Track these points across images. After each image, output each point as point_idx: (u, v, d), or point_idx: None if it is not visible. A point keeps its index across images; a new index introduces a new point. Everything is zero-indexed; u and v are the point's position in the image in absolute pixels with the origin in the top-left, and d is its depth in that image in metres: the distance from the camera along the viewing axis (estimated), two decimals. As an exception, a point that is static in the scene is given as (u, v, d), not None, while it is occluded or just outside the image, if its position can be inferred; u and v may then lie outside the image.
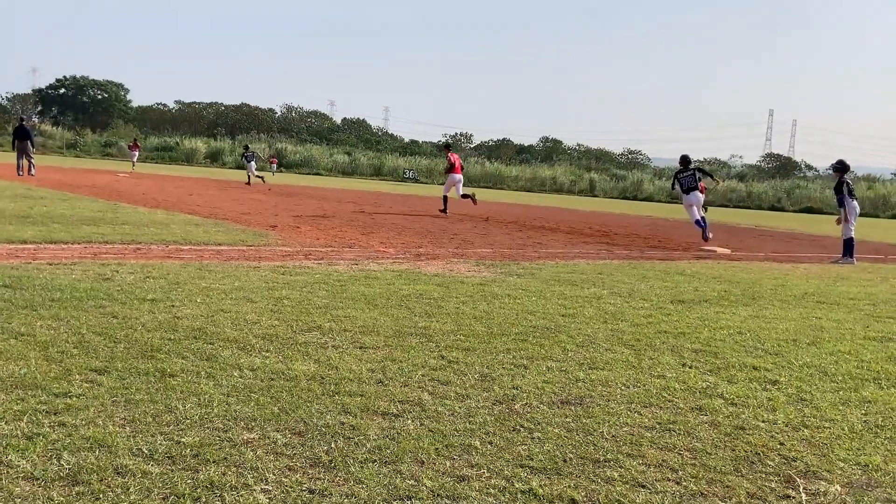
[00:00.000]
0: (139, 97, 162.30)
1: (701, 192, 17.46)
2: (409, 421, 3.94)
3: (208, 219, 14.48)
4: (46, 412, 3.61)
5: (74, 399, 3.82)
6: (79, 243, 9.53)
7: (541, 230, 18.92)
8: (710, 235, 17.24)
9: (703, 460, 3.68)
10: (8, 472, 2.99)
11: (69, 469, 3.05)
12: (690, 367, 5.44)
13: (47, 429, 3.42)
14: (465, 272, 9.66)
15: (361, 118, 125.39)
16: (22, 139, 26.97)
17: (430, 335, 5.89)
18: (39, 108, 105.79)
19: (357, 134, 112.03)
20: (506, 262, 11.03)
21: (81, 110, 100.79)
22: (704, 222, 17.15)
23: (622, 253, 14.08)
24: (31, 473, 2.99)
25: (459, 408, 4.22)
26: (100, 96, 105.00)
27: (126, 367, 4.40)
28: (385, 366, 4.94)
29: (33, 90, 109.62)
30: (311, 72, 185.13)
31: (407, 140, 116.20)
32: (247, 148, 38.57)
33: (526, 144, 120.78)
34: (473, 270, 9.88)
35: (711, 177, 18.14)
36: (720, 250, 16.00)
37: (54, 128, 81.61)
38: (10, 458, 3.09)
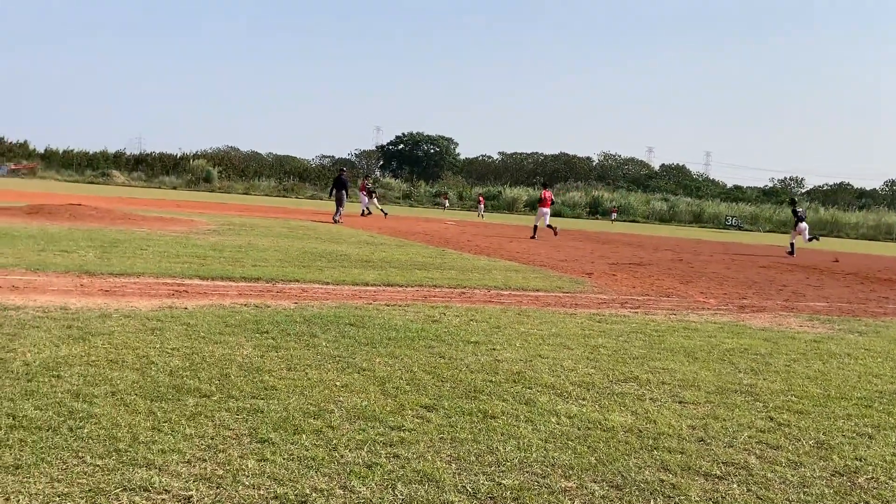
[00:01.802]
0: (466, 149, 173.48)
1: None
2: (735, 485, 3.70)
3: (527, 265, 14.96)
4: (383, 443, 3.93)
5: (407, 433, 4.11)
6: (412, 286, 10.33)
7: (888, 283, 16.98)
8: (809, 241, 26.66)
9: None
10: (350, 496, 3.28)
11: (402, 499, 3.28)
12: None
13: (384, 459, 3.71)
14: (796, 327, 8.94)
15: (681, 164, 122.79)
16: (339, 189, 28.65)
17: (756, 394, 5.52)
18: (381, 163, 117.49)
19: (676, 180, 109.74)
20: (845, 318, 10.03)
21: (416, 163, 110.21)
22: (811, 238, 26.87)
23: None
24: (370, 500, 3.26)
25: (792, 476, 3.87)
26: (432, 150, 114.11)
27: (452, 406, 4.65)
28: (707, 423, 4.70)
29: (376, 147, 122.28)
30: (630, 119, 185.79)
31: (729, 185, 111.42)
32: (369, 188, 39.43)
33: (868, 188, 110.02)
34: (806, 325, 9.11)
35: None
36: None
37: (393, 180, 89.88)
38: (353, 483, 3.40)
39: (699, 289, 12.76)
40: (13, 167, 72.92)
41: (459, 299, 9.41)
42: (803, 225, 25.65)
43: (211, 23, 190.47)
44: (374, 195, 38.64)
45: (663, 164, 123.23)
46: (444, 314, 8.05)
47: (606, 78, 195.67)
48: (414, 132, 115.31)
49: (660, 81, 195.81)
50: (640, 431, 4.44)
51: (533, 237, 25.69)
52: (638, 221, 74.33)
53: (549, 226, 27.13)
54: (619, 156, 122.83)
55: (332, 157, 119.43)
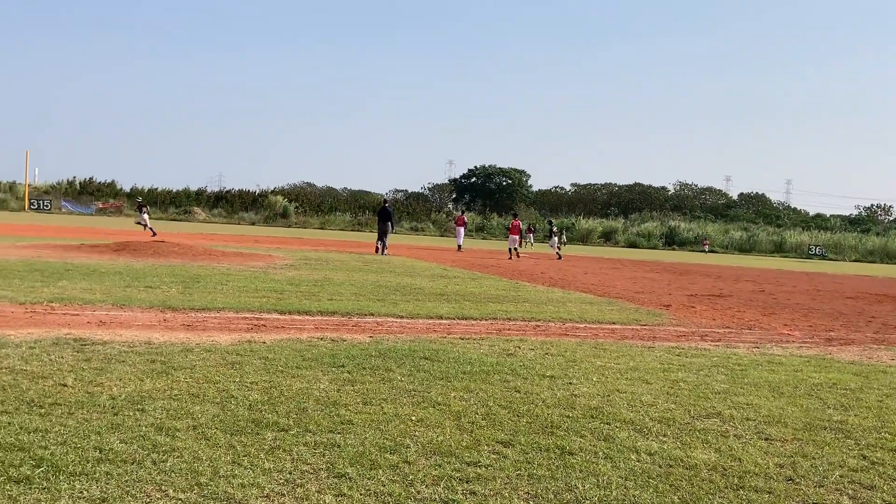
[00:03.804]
0: (539, 181, 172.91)
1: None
2: (827, 528, 3.53)
3: (602, 297, 14.76)
4: (460, 479, 3.89)
5: (483, 469, 4.06)
6: (486, 319, 10.30)
7: (984, 313, 16.14)
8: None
9: None
10: (427, 532, 3.25)
11: (479, 537, 3.22)
12: None
13: (460, 496, 3.67)
14: (888, 360, 8.56)
15: (760, 192, 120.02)
16: (384, 221, 28.00)
17: (847, 430, 5.28)
18: (454, 196, 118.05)
19: (755, 209, 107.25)
20: (939, 351, 9.55)
21: (489, 196, 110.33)
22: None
23: None
24: (447, 537, 3.21)
25: (888, 519, 3.68)
26: (504, 183, 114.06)
27: (528, 442, 4.58)
28: (795, 461, 4.52)
29: (449, 180, 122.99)
30: (706, 147, 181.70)
31: (812, 214, 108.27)
32: (140, 203, 38.68)
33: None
34: (898, 359, 8.71)
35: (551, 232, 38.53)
36: None
37: (467, 213, 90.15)
38: (429, 519, 3.37)
39: (783, 321, 12.37)
40: (101, 206, 75.99)
41: (534, 332, 9.33)
42: (554, 239, 37.79)
43: (284, 61, 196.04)
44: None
45: (742, 193, 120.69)
46: (519, 347, 7.98)
47: (681, 106, 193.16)
48: (486, 165, 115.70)
49: (737, 108, 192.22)
50: (725, 469, 4.29)
51: (510, 258, 30.97)
52: (716, 252, 72.75)
53: (514, 249, 32.68)
54: (696, 185, 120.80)
55: (406, 191, 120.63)
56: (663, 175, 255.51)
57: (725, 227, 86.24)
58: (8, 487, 3.39)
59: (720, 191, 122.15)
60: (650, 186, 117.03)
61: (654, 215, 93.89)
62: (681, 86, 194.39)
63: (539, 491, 3.79)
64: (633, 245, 76.57)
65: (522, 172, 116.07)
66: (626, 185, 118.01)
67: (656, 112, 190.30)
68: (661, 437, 4.87)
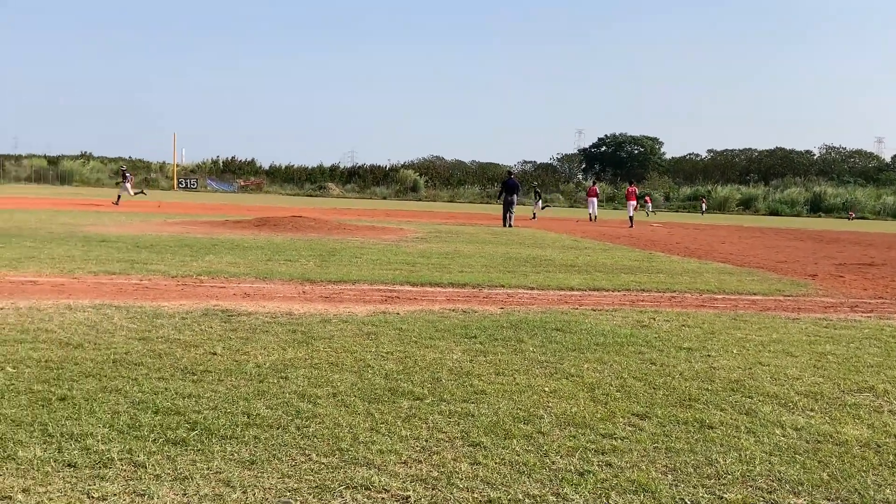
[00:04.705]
0: (672, 149, 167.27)
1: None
2: None
3: (742, 267, 14.20)
4: (595, 451, 3.85)
5: (619, 441, 4.00)
6: (618, 291, 10.11)
7: None
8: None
9: None
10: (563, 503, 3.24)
11: (616, 509, 3.18)
12: None
13: (596, 467, 3.63)
14: None
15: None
16: (510, 193, 27.45)
17: None
18: (584, 166, 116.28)
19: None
20: None
21: (619, 165, 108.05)
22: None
23: None
24: (583, 508, 3.19)
25: None
26: (636, 151, 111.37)
27: (665, 415, 4.48)
28: (959, 440, 4.21)
29: (578, 150, 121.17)
30: (855, 108, 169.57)
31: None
32: (123, 169, 36.59)
33: None
34: None
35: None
36: None
37: (598, 183, 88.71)
38: (565, 491, 3.35)
39: (943, 290, 11.52)
40: (243, 183, 79.60)
41: (669, 304, 9.08)
42: (540, 203, 40.42)
43: (410, 41, 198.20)
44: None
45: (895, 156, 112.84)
46: (654, 319, 7.80)
47: (827, 63, 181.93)
48: (617, 133, 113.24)
49: (888, 64, 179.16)
50: (879, 446, 4.06)
51: (630, 226, 31.31)
52: (867, 218, 68.55)
53: (631, 217, 33.20)
54: (844, 148, 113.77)
55: (534, 162, 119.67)
56: (808, 138, 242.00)
57: (877, 191, 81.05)
58: (167, 448, 3.62)
59: (871, 153, 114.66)
60: (793, 151, 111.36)
61: (797, 181, 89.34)
62: (824, 41, 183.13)
63: (678, 464, 3.70)
64: (774, 213, 73.23)
65: (655, 140, 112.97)
66: (767, 150, 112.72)
67: (798, 71, 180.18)
68: (807, 412, 4.65)
